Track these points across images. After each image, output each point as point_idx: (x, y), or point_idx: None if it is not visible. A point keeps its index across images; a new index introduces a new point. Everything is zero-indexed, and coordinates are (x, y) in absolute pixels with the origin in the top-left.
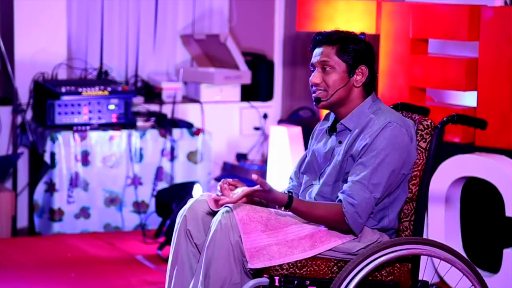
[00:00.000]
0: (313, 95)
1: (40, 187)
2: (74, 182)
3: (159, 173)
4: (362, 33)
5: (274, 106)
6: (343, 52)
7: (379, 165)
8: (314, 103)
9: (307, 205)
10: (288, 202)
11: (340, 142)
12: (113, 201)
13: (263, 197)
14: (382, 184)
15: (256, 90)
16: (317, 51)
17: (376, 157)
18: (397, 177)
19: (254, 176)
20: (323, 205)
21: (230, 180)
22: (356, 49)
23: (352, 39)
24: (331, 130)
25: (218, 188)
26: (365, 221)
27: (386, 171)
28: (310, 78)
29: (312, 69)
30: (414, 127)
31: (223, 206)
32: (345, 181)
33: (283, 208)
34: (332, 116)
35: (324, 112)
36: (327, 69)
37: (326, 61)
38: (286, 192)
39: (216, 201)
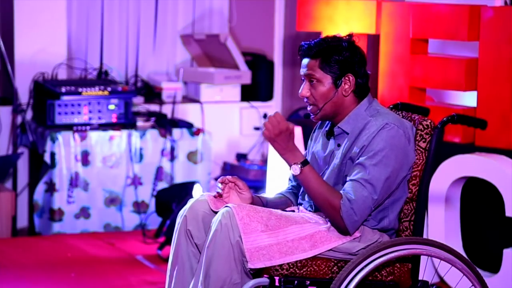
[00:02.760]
0: (308, 108)
1: (40, 187)
2: (74, 182)
3: (159, 173)
4: (349, 35)
5: (274, 106)
6: (326, 65)
7: (376, 165)
8: (304, 116)
9: (318, 178)
10: (304, 161)
11: (338, 145)
12: (113, 201)
13: (282, 145)
14: (380, 185)
15: (256, 90)
16: (304, 62)
17: (373, 158)
18: (396, 179)
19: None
20: (331, 188)
21: (229, 177)
22: (339, 60)
23: (334, 49)
24: (329, 134)
25: (219, 185)
26: (361, 221)
27: (384, 172)
28: (299, 91)
29: (302, 79)
30: (413, 129)
31: (224, 206)
32: (345, 184)
33: (294, 168)
34: None
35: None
36: (314, 82)
37: (311, 74)
38: (282, 194)
39: (217, 201)
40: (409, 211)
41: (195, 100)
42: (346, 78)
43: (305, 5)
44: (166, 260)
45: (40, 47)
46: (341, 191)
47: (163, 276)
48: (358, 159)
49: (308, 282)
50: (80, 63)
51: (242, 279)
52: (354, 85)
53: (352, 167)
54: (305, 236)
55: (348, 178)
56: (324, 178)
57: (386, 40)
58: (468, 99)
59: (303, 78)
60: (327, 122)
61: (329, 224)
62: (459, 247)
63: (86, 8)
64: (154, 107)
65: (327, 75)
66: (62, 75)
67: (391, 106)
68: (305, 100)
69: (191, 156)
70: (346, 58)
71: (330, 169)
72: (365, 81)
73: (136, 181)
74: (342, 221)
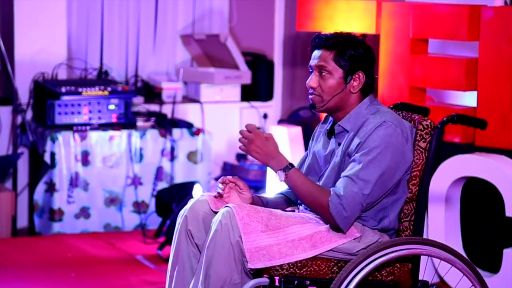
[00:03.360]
0: (310, 97)
1: (40, 187)
2: (74, 182)
3: (159, 173)
4: (363, 35)
5: (274, 106)
6: (340, 58)
7: (370, 162)
8: (309, 106)
9: (305, 179)
10: (287, 165)
11: (339, 144)
12: (113, 201)
13: (261, 153)
14: (372, 182)
15: (256, 90)
16: (316, 53)
17: (367, 154)
18: (392, 177)
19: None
20: (318, 187)
21: (230, 177)
22: (354, 55)
23: (350, 44)
24: (330, 133)
25: (219, 185)
26: (352, 217)
27: (377, 169)
28: (307, 81)
29: (310, 70)
30: (412, 130)
31: (224, 206)
32: None
33: (279, 174)
34: (331, 118)
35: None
36: (324, 73)
37: (323, 65)
38: (282, 194)
39: (217, 201)
40: (409, 211)
41: (195, 100)
42: (357, 75)
43: (305, 5)
44: (166, 260)
45: (40, 47)
46: (331, 188)
47: (163, 276)
48: (353, 155)
49: (308, 282)
50: (80, 63)
51: (242, 279)
52: (362, 84)
53: (347, 163)
54: (305, 236)
55: (341, 174)
56: (325, 177)
57: (386, 40)
58: (468, 99)
59: (311, 70)
60: (329, 121)
61: (329, 224)
62: (459, 247)
63: (86, 8)
64: (154, 107)
65: (339, 68)
66: (62, 75)
67: (391, 106)
68: (311, 91)
69: (191, 156)
70: (360, 55)
71: (330, 167)
72: (372, 82)
73: (136, 181)
74: (332, 218)
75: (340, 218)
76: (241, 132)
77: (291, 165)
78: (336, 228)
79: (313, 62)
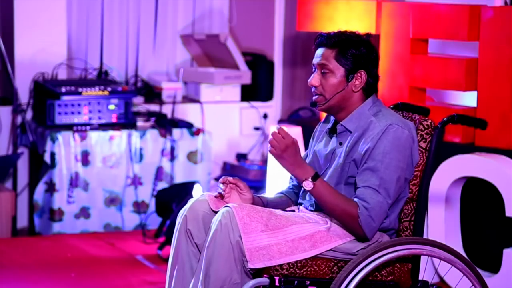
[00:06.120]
0: (313, 97)
1: (40, 187)
2: (74, 182)
3: (159, 173)
4: (367, 34)
5: (274, 106)
6: (342, 57)
7: (386, 169)
8: (310, 104)
9: (331, 189)
10: (315, 175)
11: (340, 144)
12: (113, 201)
13: (290, 161)
14: (392, 188)
15: (256, 90)
16: (318, 52)
17: (382, 161)
18: (405, 179)
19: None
20: (344, 197)
21: (230, 178)
22: (355, 54)
23: (353, 43)
24: (332, 132)
25: (220, 185)
26: (378, 226)
27: (394, 174)
28: (309, 79)
29: (313, 69)
30: (415, 128)
31: (224, 206)
32: (347, 184)
33: (306, 183)
34: (332, 117)
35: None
36: (325, 72)
37: (325, 64)
38: (282, 193)
39: (217, 201)
40: (409, 211)
41: (195, 100)
42: (359, 74)
43: (305, 5)
44: (166, 260)
45: (40, 47)
46: (355, 199)
47: (163, 276)
48: (365, 162)
49: (308, 282)
50: (80, 63)
51: (242, 279)
52: (364, 83)
53: (361, 171)
54: (305, 236)
55: (359, 184)
56: (326, 177)
57: (386, 40)
58: (468, 99)
59: (314, 68)
60: (330, 120)
61: (329, 224)
62: (459, 247)
63: (86, 8)
64: (154, 107)
65: (340, 67)
66: (62, 75)
67: (391, 106)
68: (313, 89)
69: (191, 156)
70: (362, 54)
71: (332, 168)
72: (375, 82)
73: (136, 181)
74: (361, 229)
75: (369, 229)
76: (274, 136)
77: (317, 175)
78: (361, 237)
79: (315, 60)
